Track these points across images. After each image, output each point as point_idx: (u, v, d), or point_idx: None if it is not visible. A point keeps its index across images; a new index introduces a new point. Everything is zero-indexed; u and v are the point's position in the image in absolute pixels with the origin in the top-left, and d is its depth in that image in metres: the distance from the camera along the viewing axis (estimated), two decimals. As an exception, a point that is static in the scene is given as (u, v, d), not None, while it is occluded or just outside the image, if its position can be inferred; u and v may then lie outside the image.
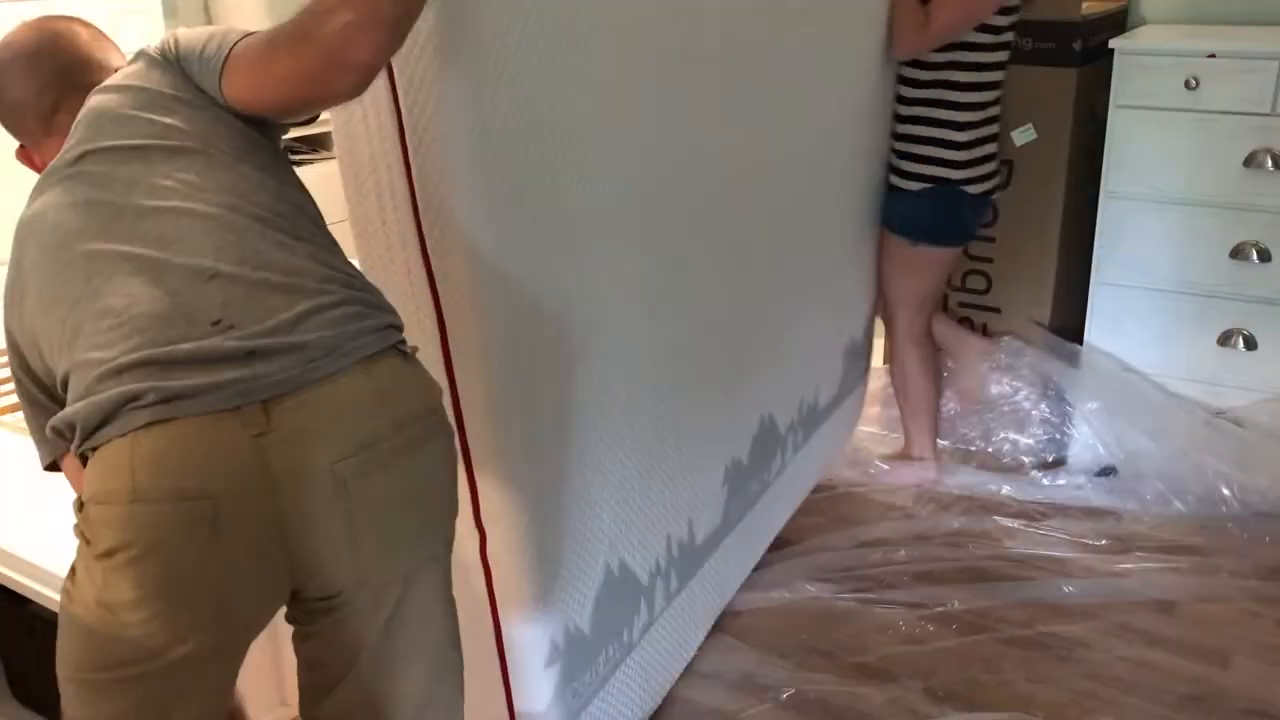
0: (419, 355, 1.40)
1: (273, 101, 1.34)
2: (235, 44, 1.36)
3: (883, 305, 2.92)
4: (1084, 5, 2.89)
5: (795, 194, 2.29)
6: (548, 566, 1.63)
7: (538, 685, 1.66)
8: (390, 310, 1.37)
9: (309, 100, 1.33)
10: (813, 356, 2.54)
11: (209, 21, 4.12)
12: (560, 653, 1.67)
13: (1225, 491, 2.74)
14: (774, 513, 2.48)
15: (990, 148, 2.70)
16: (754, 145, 2.06)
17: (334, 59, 1.23)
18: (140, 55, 1.44)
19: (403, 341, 1.35)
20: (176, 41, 1.41)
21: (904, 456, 3.00)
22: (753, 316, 2.17)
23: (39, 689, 2.09)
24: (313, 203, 1.43)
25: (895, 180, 2.73)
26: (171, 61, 1.40)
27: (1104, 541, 2.68)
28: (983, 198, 2.74)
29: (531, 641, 1.64)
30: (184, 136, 1.34)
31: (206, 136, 1.35)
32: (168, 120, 1.35)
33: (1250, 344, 2.84)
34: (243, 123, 1.38)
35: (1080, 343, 3.07)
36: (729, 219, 2.01)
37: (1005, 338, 3.07)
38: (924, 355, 2.90)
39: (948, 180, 2.66)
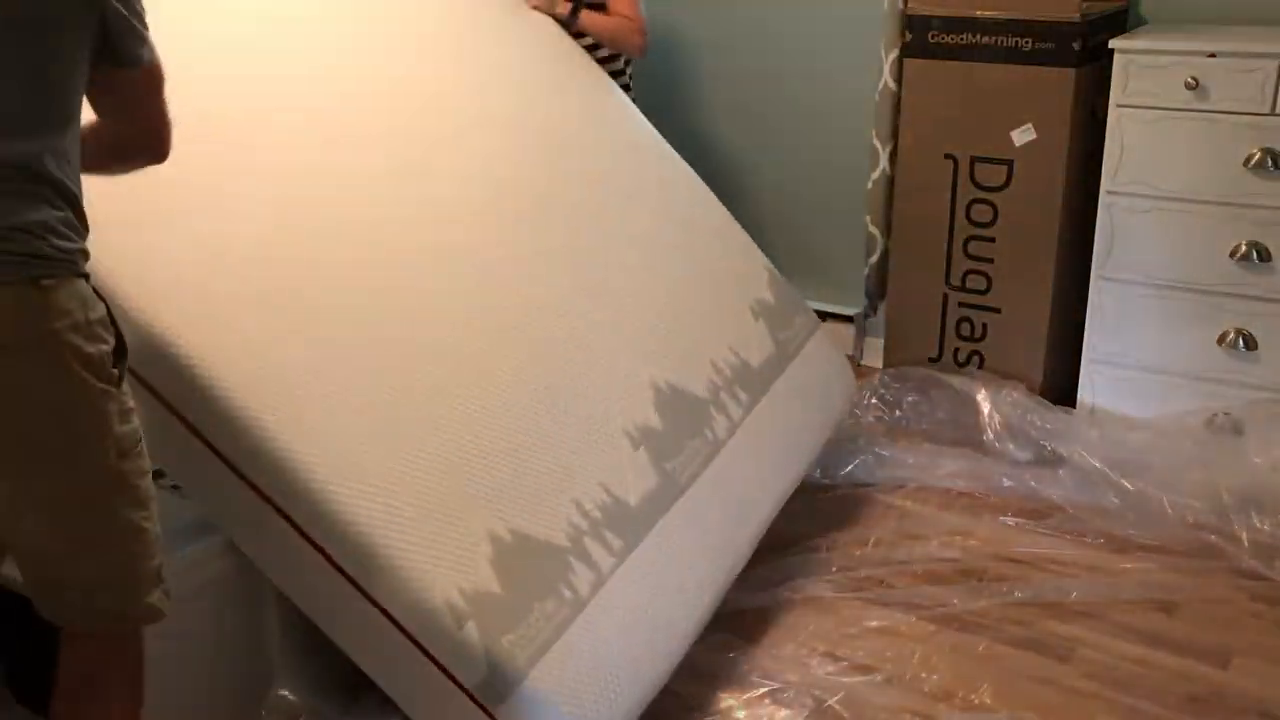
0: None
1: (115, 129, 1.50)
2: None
3: None
4: (1084, 5, 2.89)
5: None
6: (399, 539, 1.72)
7: (460, 648, 1.69)
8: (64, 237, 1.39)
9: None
10: (704, 322, 2.58)
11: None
12: (468, 612, 1.70)
13: (1225, 491, 2.73)
14: (770, 464, 2.50)
15: None
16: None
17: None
18: None
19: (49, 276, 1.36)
20: None
21: None
22: (594, 287, 2.34)
23: (39, 689, 2.09)
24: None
25: None
26: None
27: (1104, 541, 2.68)
28: None
29: (426, 609, 1.69)
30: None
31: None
32: None
33: (1250, 344, 2.84)
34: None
35: (1080, 343, 3.07)
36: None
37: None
38: None
39: None
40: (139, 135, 1.54)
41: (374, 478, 1.76)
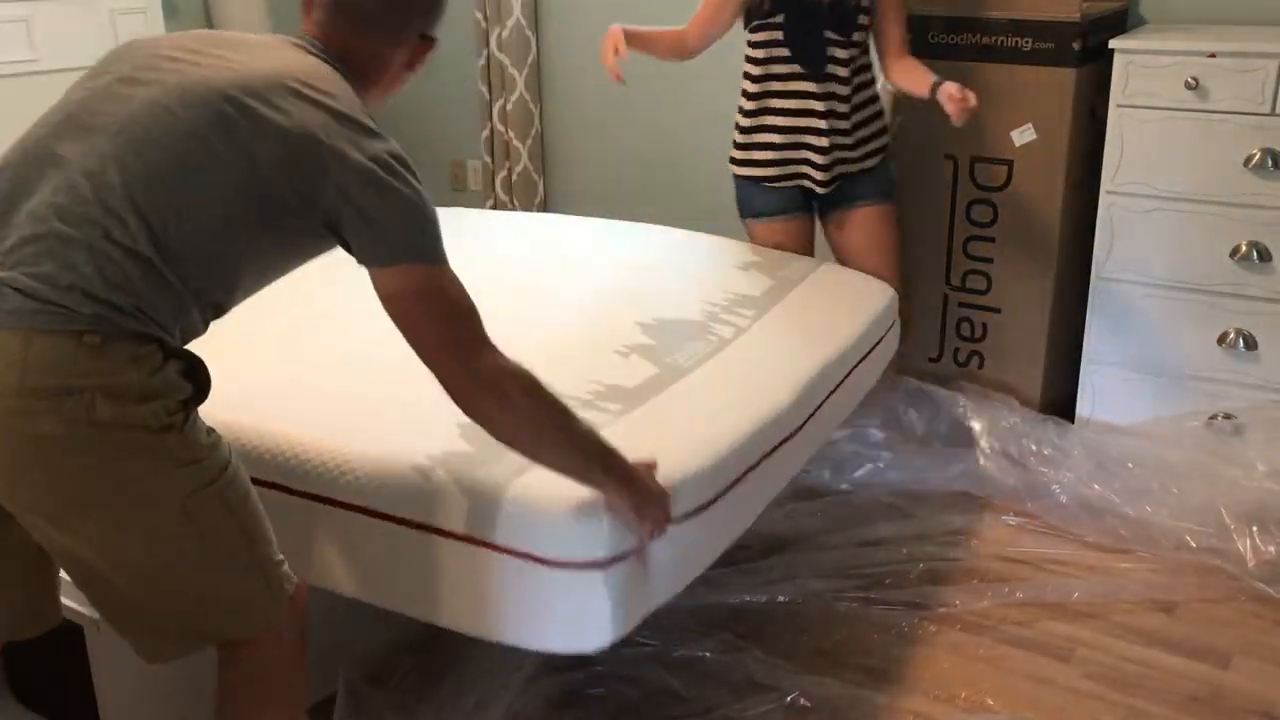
0: None
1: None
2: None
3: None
4: (1084, 5, 2.89)
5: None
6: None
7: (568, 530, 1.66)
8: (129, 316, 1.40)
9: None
10: (688, 278, 2.69)
11: (208, 22, 4.11)
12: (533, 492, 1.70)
13: (1225, 491, 2.73)
14: (799, 340, 2.42)
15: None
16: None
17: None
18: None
19: (93, 333, 1.37)
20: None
21: None
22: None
23: (39, 689, 2.09)
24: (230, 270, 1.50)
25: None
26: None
27: (1105, 541, 2.68)
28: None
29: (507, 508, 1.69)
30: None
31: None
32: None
33: (1250, 344, 2.84)
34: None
35: (1080, 343, 3.07)
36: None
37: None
38: None
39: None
40: None
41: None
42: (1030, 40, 2.94)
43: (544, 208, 4.35)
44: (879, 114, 2.93)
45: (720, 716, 2.13)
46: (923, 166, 3.15)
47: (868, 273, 2.84)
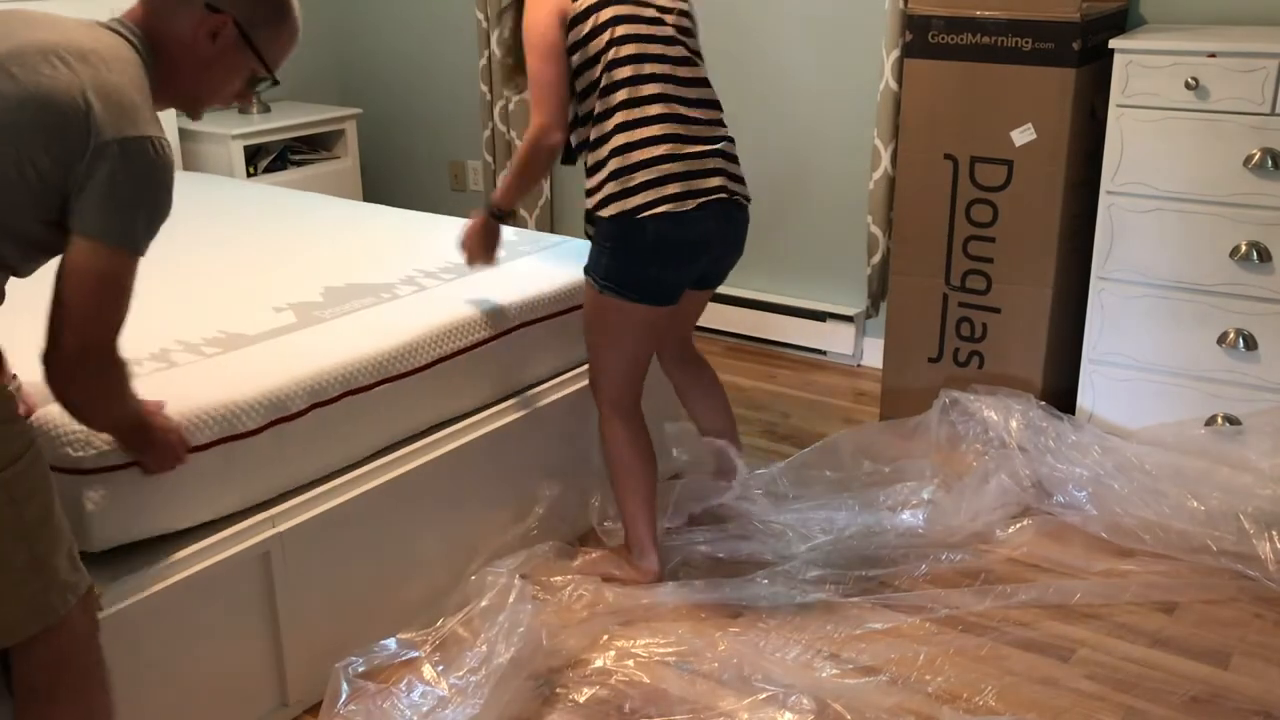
0: None
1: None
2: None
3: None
4: (1084, 5, 2.89)
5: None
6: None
7: None
8: None
9: None
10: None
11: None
12: None
13: (1225, 491, 2.73)
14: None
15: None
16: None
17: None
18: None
19: None
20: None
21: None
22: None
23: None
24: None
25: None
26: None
27: (1106, 542, 2.68)
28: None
29: None
30: None
31: None
32: None
33: (1250, 344, 2.84)
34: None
35: (1080, 343, 3.07)
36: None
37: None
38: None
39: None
40: None
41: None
42: (1030, 40, 2.93)
43: (550, 209, 4.35)
44: (588, 173, 2.41)
45: (720, 716, 2.13)
46: (923, 166, 3.15)
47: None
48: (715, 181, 2.37)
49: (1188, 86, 2.76)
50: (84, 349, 1.53)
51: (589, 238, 2.46)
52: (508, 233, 2.74)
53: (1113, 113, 2.88)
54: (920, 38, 3.06)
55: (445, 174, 4.64)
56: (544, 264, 2.79)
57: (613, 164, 2.32)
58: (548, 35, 2.32)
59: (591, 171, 2.37)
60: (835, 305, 3.83)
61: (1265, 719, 2.14)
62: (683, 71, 2.38)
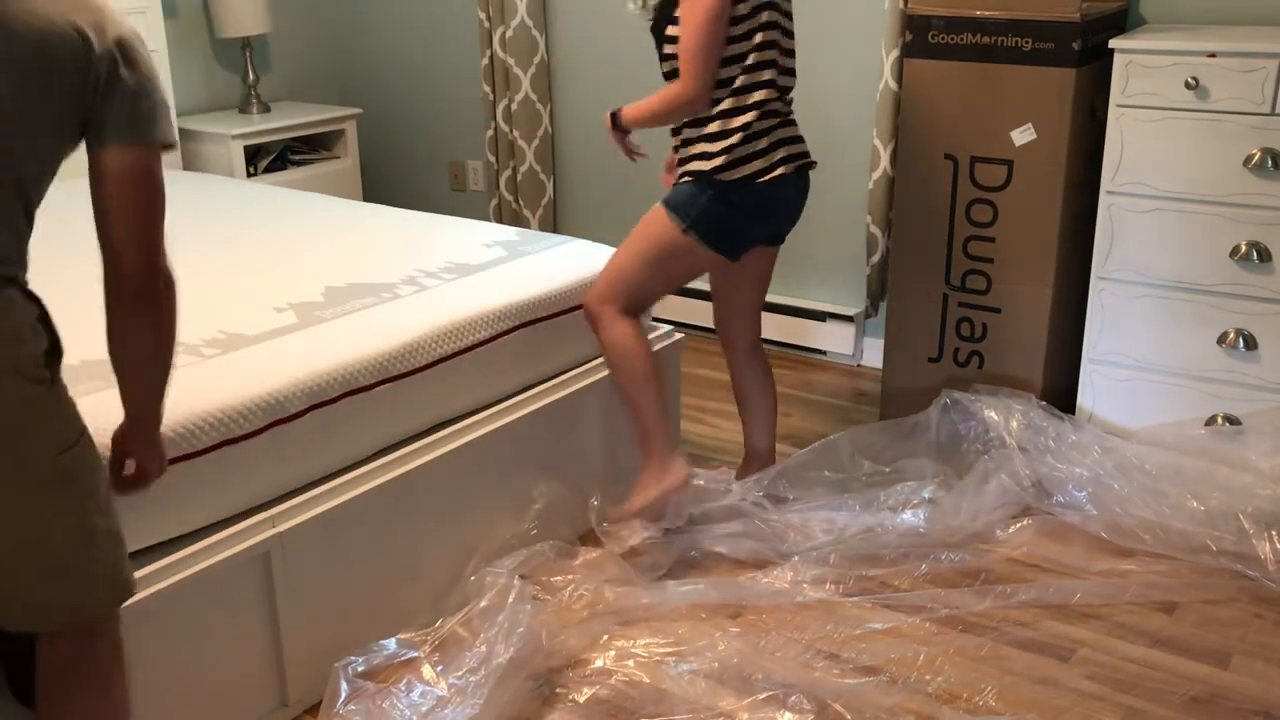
0: None
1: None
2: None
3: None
4: (1084, 5, 2.89)
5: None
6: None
7: None
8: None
9: None
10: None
11: (208, 21, 4.10)
12: None
13: (1225, 491, 2.73)
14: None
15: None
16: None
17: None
18: None
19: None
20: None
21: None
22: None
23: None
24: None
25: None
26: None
27: (1106, 542, 2.68)
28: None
29: None
30: None
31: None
32: None
33: (1250, 344, 2.84)
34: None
35: (1080, 343, 3.07)
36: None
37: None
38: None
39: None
40: None
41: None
42: (1030, 40, 2.93)
43: (553, 209, 4.35)
44: (706, 137, 2.56)
45: (720, 716, 2.13)
46: (923, 166, 3.15)
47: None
48: (803, 147, 2.65)
49: (1188, 86, 2.76)
50: (151, 255, 1.50)
51: (679, 184, 2.59)
52: (509, 232, 3.00)
53: (1113, 113, 2.88)
54: (920, 38, 3.06)
55: (445, 174, 4.64)
56: (545, 264, 2.79)
57: (740, 133, 2.52)
58: (720, 10, 2.45)
59: (715, 137, 2.53)
60: (835, 305, 3.83)
61: (1265, 719, 2.15)
62: (786, 43, 2.64)
